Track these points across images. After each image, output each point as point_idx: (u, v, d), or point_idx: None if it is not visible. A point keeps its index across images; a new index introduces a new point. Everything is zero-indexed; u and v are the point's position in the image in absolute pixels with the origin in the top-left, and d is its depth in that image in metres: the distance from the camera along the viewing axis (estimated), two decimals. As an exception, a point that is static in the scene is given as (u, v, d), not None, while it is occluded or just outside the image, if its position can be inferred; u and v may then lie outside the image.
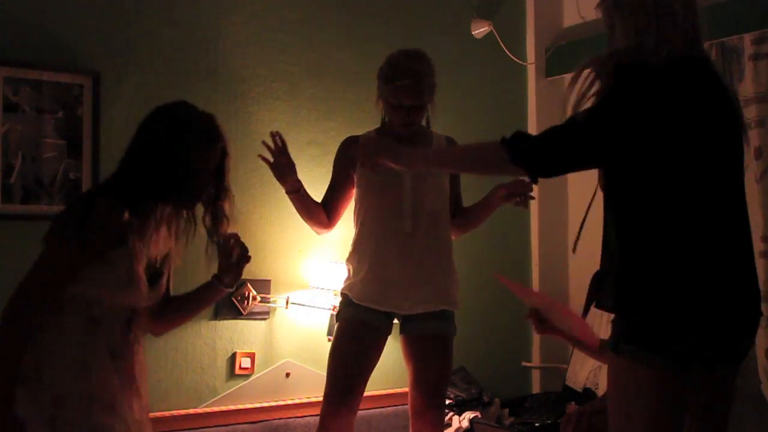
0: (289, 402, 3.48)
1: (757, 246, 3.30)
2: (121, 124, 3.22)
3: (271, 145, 2.84)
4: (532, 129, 4.22)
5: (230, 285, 2.33)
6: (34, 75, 3.05)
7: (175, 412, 3.25)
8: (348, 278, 2.88)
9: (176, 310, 2.32)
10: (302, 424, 3.42)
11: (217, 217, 2.22)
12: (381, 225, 2.80)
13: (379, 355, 2.84)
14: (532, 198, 2.86)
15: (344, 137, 3.02)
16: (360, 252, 2.84)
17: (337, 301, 3.31)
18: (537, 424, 3.41)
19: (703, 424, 1.94)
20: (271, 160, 2.84)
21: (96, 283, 2.04)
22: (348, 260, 2.90)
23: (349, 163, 2.88)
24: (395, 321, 2.87)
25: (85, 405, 2.00)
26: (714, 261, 1.84)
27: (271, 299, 3.46)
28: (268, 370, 3.48)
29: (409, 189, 2.79)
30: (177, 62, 3.35)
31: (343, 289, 2.90)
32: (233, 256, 2.29)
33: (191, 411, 3.29)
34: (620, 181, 1.90)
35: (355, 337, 2.78)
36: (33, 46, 3.07)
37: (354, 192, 2.91)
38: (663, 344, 1.81)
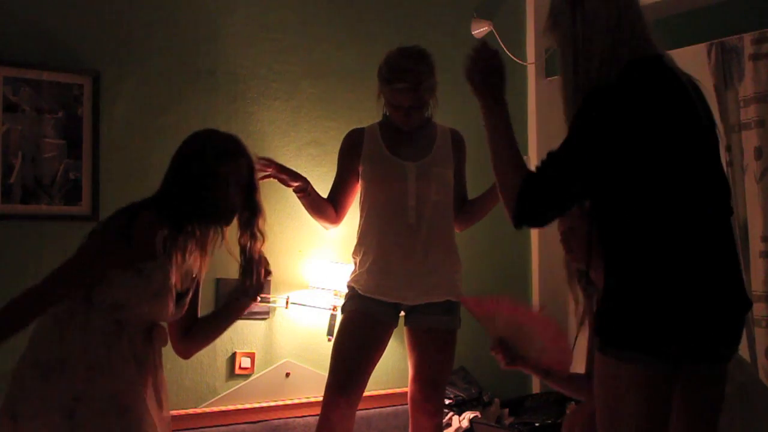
0: (289, 402, 3.48)
1: (757, 246, 3.30)
2: (121, 124, 3.23)
3: (264, 171, 2.79)
4: (532, 129, 4.23)
5: (255, 298, 2.39)
6: (34, 75, 3.05)
7: (174, 412, 3.24)
8: (354, 271, 2.89)
9: (204, 329, 2.38)
10: (302, 424, 3.42)
11: (254, 236, 2.29)
12: (385, 217, 2.81)
13: (384, 348, 2.84)
14: None
15: (344, 137, 3.02)
16: (365, 244, 2.85)
17: (337, 301, 3.31)
18: (537, 424, 3.41)
19: (692, 424, 1.93)
20: (269, 177, 2.82)
21: (127, 289, 2.10)
22: (354, 253, 2.92)
23: (354, 156, 2.89)
24: (402, 313, 2.88)
25: (105, 404, 2.05)
26: (699, 260, 1.83)
27: (271, 299, 3.45)
28: (268, 370, 3.48)
29: (413, 181, 2.80)
30: (177, 62, 3.35)
31: (349, 282, 2.91)
32: (260, 271, 2.35)
33: (191, 411, 3.29)
34: (601, 190, 1.90)
35: (359, 328, 2.79)
36: (33, 46, 3.07)
37: (359, 185, 2.91)
38: (651, 344, 1.80)
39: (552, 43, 2.01)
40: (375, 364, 2.82)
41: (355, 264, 2.90)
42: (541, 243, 4.15)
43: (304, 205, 2.91)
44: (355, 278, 2.87)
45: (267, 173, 2.78)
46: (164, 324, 2.27)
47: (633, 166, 1.83)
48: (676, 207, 1.83)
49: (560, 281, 4.15)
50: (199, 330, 2.37)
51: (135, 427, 2.07)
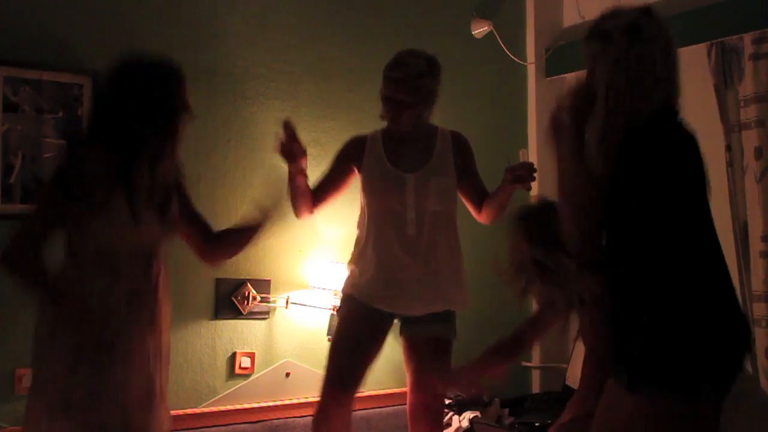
0: (289, 402, 3.48)
1: (757, 246, 3.30)
2: (121, 124, 3.23)
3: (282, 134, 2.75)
4: (532, 129, 4.22)
5: (276, 207, 2.50)
6: (34, 75, 3.05)
7: (174, 412, 3.23)
8: (352, 279, 2.88)
9: (229, 238, 2.48)
10: (302, 424, 3.42)
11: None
12: (385, 228, 2.80)
13: (379, 351, 2.84)
14: (533, 179, 2.80)
15: (344, 137, 3.01)
16: (366, 255, 2.83)
17: (337, 301, 3.31)
18: (537, 424, 3.40)
19: None
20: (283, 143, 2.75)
21: (105, 233, 2.13)
22: (351, 262, 2.90)
23: (352, 163, 2.88)
24: (396, 321, 2.87)
25: (101, 355, 2.12)
26: (705, 297, 1.85)
27: (271, 299, 3.46)
28: (267, 369, 3.48)
29: (411, 192, 2.79)
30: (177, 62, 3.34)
31: (345, 290, 2.90)
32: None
33: (191, 411, 3.29)
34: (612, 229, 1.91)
35: (356, 329, 2.80)
36: (33, 46, 3.07)
37: (344, 188, 2.91)
38: (687, 382, 1.80)
39: (594, 68, 1.96)
40: (371, 363, 2.82)
41: (353, 273, 2.88)
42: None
43: (290, 185, 2.79)
44: (354, 287, 2.85)
45: (288, 138, 2.72)
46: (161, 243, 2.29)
47: (664, 209, 1.85)
48: (687, 256, 1.86)
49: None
50: (224, 236, 2.47)
51: (130, 376, 2.15)
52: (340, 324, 2.86)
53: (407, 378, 2.89)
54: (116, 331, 2.15)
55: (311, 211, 2.91)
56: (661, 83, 1.91)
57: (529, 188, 2.83)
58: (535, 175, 2.78)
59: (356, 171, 2.89)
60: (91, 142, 2.18)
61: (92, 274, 2.15)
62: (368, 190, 2.84)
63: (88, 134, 2.23)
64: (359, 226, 2.91)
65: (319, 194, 2.90)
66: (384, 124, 2.94)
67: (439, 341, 2.83)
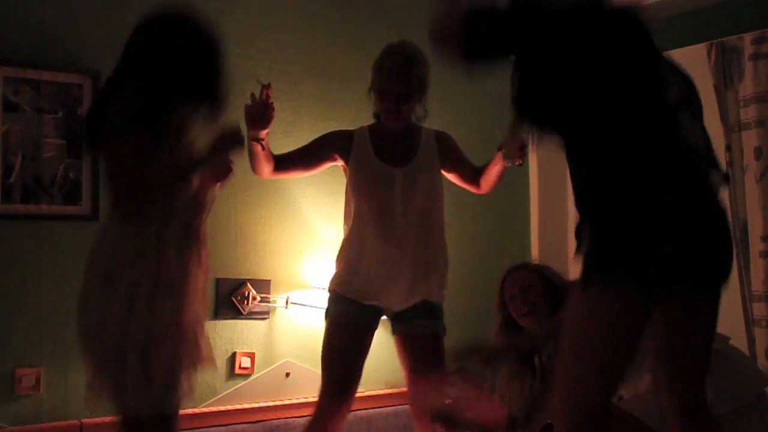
0: (289, 402, 3.48)
1: (757, 246, 3.30)
2: (121, 124, 3.23)
3: (257, 94, 2.72)
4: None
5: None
6: (34, 75, 3.05)
7: (174, 412, 3.25)
8: (339, 276, 2.89)
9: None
10: (302, 424, 3.39)
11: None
12: (372, 224, 2.80)
13: (368, 350, 2.86)
14: (525, 155, 2.83)
15: (335, 131, 3.00)
16: (353, 250, 2.84)
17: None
18: (537, 424, 3.40)
19: (681, 347, 1.98)
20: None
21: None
22: (338, 258, 2.91)
23: (334, 151, 2.89)
24: (384, 317, 2.89)
25: (152, 290, 2.15)
26: (672, 190, 1.87)
27: (271, 299, 3.46)
28: (267, 369, 3.48)
29: (399, 188, 2.80)
30: (177, 62, 3.34)
31: (331, 287, 2.91)
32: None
33: (190, 411, 3.27)
34: (571, 128, 1.94)
35: (346, 335, 2.81)
36: (33, 46, 3.07)
37: (313, 170, 2.93)
38: (630, 273, 1.83)
39: None
40: (363, 366, 2.84)
41: (340, 269, 2.89)
42: (541, 243, 4.15)
43: (249, 152, 2.74)
44: (341, 284, 2.86)
45: (264, 99, 2.71)
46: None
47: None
48: (643, 147, 1.87)
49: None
50: None
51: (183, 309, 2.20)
52: (330, 330, 2.85)
53: (406, 378, 2.90)
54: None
55: (269, 176, 2.89)
56: None
57: (521, 164, 2.85)
58: (527, 150, 2.82)
59: (338, 160, 2.89)
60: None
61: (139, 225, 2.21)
62: (356, 184, 2.85)
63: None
64: (346, 221, 2.91)
65: (287, 163, 2.88)
66: (371, 121, 2.94)
67: (430, 335, 2.86)
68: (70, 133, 3.10)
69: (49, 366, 3.02)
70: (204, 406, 3.33)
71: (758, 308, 3.29)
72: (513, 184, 3.99)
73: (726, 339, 2.61)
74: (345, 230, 2.92)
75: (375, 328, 2.88)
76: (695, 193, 1.90)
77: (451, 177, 2.99)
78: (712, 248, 1.90)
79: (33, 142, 3.04)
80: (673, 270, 1.85)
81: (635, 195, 1.85)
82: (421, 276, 2.84)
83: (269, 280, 3.49)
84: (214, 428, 3.27)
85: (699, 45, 3.45)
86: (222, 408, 3.34)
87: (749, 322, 3.33)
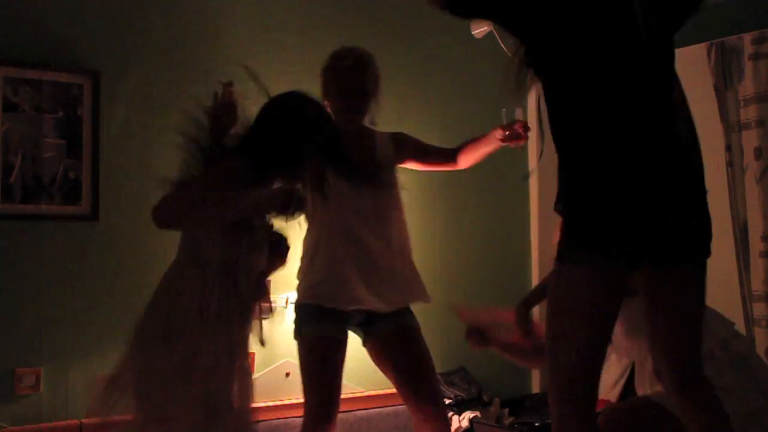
0: (289, 402, 3.48)
1: (757, 246, 3.30)
2: (121, 124, 3.23)
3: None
4: (533, 128, 4.21)
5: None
6: (34, 75, 3.05)
7: (174, 412, 3.24)
8: (302, 286, 2.83)
9: None
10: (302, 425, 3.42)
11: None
12: (335, 231, 2.74)
13: (344, 361, 2.77)
14: (526, 138, 2.81)
15: None
16: (317, 258, 2.78)
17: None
18: (537, 424, 3.41)
19: (671, 320, 2.00)
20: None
21: (234, 244, 2.27)
22: (302, 270, 2.85)
23: None
24: (351, 332, 2.81)
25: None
26: (646, 162, 1.89)
27: (271, 299, 3.45)
28: (267, 369, 3.47)
29: (360, 192, 2.72)
30: (177, 62, 3.35)
31: (299, 300, 2.84)
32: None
33: (191, 411, 3.28)
34: (553, 97, 1.99)
35: (324, 356, 2.72)
36: (33, 45, 3.07)
37: None
38: (604, 244, 1.88)
39: None
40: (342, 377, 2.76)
41: (305, 279, 2.83)
42: (541, 242, 4.15)
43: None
44: (307, 292, 2.80)
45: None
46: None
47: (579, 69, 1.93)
48: (621, 116, 1.90)
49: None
50: None
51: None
52: (305, 356, 2.76)
53: (393, 382, 2.80)
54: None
55: None
56: None
57: (522, 146, 2.83)
58: (529, 134, 2.81)
59: None
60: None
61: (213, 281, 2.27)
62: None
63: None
64: (309, 232, 2.84)
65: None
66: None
67: (408, 329, 2.78)
68: (70, 133, 3.11)
69: (49, 366, 3.02)
70: (204, 406, 3.32)
71: (758, 308, 3.29)
72: (513, 185, 3.99)
73: (731, 324, 2.63)
74: (308, 239, 2.85)
75: (346, 342, 2.78)
76: (673, 171, 1.92)
77: (423, 167, 2.95)
78: (684, 223, 1.93)
79: (33, 142, 3.04)
80: (644, 244, 1.89)
81: (610, 168, 1.89)
82: (397, 280, 2.78)
83: (269, 280, 3.48)
84: (214, 428, 3.27)
85: (699, 45, 3.45)
86: (222, 408, 3.33)
87: (749, 322, 3.33)
